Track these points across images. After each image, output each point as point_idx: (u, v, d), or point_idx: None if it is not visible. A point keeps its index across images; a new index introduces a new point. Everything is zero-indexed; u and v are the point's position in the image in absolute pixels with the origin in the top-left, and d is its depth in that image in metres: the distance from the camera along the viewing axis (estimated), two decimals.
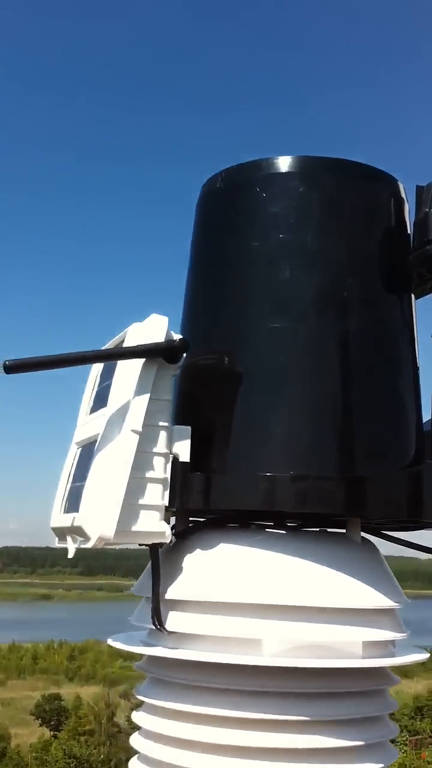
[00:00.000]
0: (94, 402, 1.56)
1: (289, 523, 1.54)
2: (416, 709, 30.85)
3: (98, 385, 1.58)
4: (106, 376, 1.52)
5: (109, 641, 1.51)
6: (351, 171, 1.53)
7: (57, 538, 1.52)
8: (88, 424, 1.52)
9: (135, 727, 1.48)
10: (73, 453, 1.57)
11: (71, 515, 1.40)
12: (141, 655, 1.50)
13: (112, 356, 1.44)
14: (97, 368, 1.62)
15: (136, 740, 1.46)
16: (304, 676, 1.33)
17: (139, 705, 1.50)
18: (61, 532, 1.48)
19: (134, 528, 1.33)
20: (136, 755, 1.48)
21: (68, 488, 1.52)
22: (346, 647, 1.35)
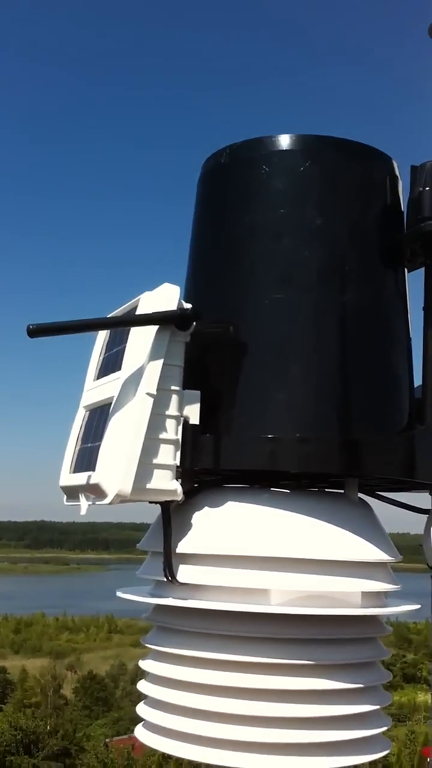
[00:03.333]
0: (102, 367, 1.63)
1: (287, 483, 1.63)
2: None
3: (105, 352, 1.64)
4: (115, 343, 1.59)
5: (119, 593, 1.59)
6: (350, 149, 1.61)
7: (66, 497, 1.59)
8: (98, 388, 1.58)
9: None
10: (81, 416, 1.64)
11: (85, 474, 1.47)
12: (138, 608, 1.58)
13: (129, 322, 1.51)
14: (103, 335, 1.69)
15: (143, 685, 1.55)
16: (307, 623, 1.42)
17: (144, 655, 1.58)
18: (72, 491, 1.54)
19: (148, 486, 1.41)
20: (143, 700, 1.57)
21: (77, 449, 1.59)
22: (346, 597, 1.45)
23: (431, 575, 1.72)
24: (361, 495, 1.59)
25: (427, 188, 1.59)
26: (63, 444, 1.66)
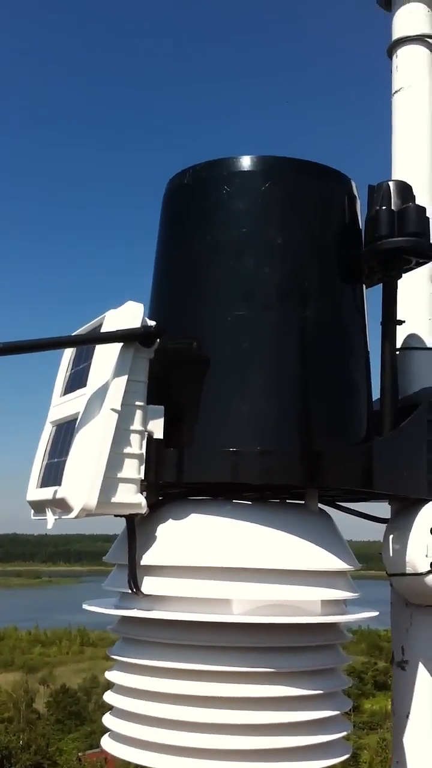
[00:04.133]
0: (68, 384, 1.66)
1: (250, 494, 1.67)
2: None
3: (72, 368, 1.68)
4: (81, 360, 1.62)
5: (85, 606, 1.62)
6: (309, 170, 1.66)
7: (33, 511, 1.62)
8: (64, 404, 1.62)
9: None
10: (48, 431, 1.67)
11: (51, 489, 1.50)
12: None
13: (92, 340, 1.55)
14: (70, 352, 1.72)
15: (109, 696, 1.58)
16: (268, 631, 1.46)
17: (111, 666, 1.61)
18: (39, 505, 1.57)
19: (114, 499, 1.44)
20: (110, 711, 1.60)
21: (44, 464, 1.62)
22: (306, 605, 1.49)
23: (390, 582, 1.77)
24: (321, 505, 1.63)
25: (384, 207, 1.64)
26: (34, 457, 1.69)
